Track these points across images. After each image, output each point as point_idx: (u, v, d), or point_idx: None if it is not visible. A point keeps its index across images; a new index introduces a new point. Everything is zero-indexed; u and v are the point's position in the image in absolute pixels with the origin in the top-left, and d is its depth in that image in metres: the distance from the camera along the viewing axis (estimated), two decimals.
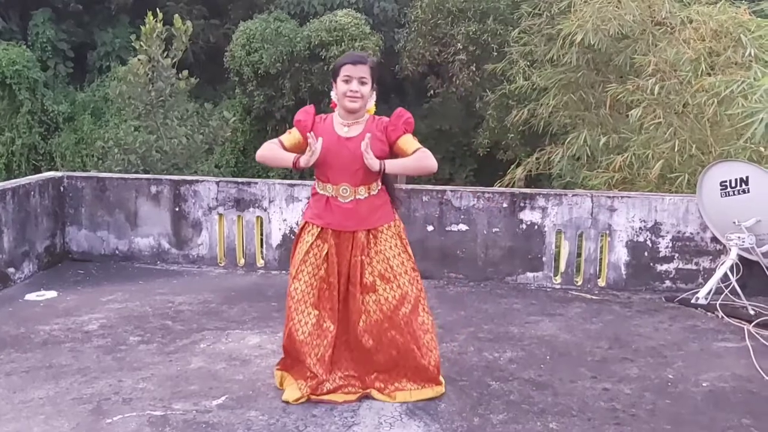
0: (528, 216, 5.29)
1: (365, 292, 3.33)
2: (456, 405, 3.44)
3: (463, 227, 5.34)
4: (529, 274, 5.35)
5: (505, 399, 3.52)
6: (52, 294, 4.96)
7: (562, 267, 5.34)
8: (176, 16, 11.18)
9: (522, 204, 5.28)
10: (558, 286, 5.34)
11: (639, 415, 3.36)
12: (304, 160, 3.21)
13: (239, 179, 5.75)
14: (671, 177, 7.97)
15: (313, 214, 3.37)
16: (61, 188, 5.62)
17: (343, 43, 16.61)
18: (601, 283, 5.32)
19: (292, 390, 3.36)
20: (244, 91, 17.90)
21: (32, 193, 5.26)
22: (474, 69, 16.64)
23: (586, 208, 5.22)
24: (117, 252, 5.69)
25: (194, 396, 3.48)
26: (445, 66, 17.24)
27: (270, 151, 3.33)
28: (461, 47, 16.65)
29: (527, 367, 3.91)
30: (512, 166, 13.87)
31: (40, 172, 17.40)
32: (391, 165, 3.24)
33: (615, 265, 5.27)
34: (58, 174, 5.73)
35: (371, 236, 3.35)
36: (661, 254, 5.19)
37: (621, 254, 5.24)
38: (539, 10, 12.48)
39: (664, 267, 5.20)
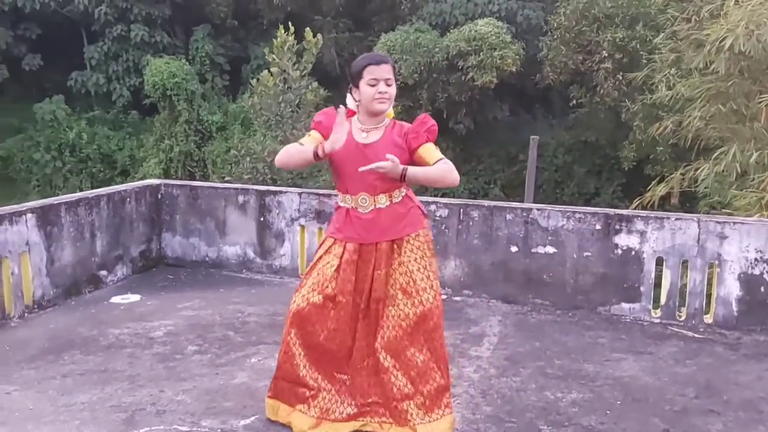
0: (624, 240, 4.78)
1: (387, 306, 3.07)
2: None
3: (550, 249, 4.93)
4: (625, 305, 4.83)
5: None
6: (135, 298, 5.14)
7: (663, 299, 4.77)
8: (307, 29, 11.43)
9: (618, 227, 4.78)
10: (657, 320, 4.78)
11: None
12: (329, 144, 2.92)
13: (320, 191, 5.69)
14: None
15: (334, 229, 3.17)
16: (159, 195, 5.84)
17: (481, 53, 16.34)
18: (708, 319, 4.69)
19: (300, 418, 3.17)
20: None
21: (128, 199, 5.50)
22: (620, 78, 15.70)
23: (692, 234, 4.63)
24: (207, 259, 5.82)
25: (225, 413, 3.41)
26: (589, 75, 16.43)
27: (287, 153, 3.08)
28: (607, 55, 15.80)
29: (591, 411, 3.49)
30: (653, 183, 12.96)
31: (194, 177, 18.61)
32: (414, 172, 2.94)
33: (725, 300, 4.63)
34: (156, 182, 5.97)
35: (396, 246, 3.09)
36: None
37: (732, 288, 4.59)
38: (687, 14, 11.53)
39: None
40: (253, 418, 3.36)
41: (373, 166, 2.86)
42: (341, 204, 3.14)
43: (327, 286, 3.11)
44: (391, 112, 3.13)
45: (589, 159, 18.88)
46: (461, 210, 5.10)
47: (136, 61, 19.69)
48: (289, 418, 3.22)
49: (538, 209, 4.96)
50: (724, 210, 10.12)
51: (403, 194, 3.12)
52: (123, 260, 5.50)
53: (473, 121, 17.99)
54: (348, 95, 3.08)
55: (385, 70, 2.96)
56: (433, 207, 5.16)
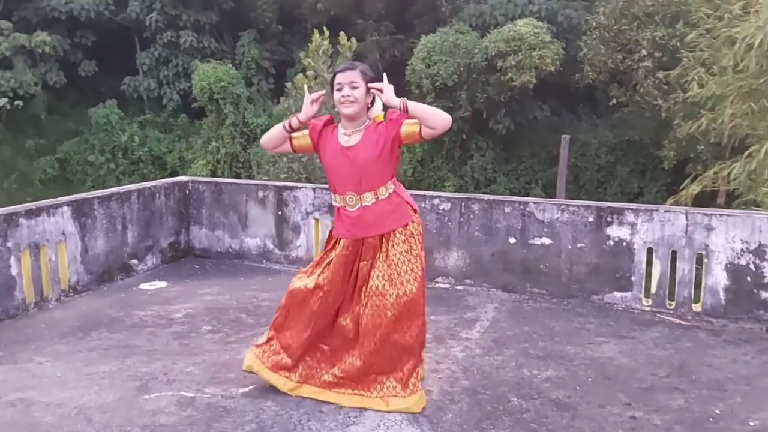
0: (616, 232, 5.00)
1: (370, 295, 3.39)
2: (462, 417, 3.41)
3: (546, 241, 5.18)
4: (617, 294, 5.05)
5: (517, 416, 3.42)
6: (162, 284, 5.59)
7: (653, 288, 4.97)
8: (341, 33, 11.84)
9: (609, 219, 5.00)
10: (648, 309, 4.98)
11: None
12: (302, 114, 3.42)
13: None
14: None
15: (333, 226, 3.57)
16: (187, 191, 6.29)
17: (520, 53, 16.45)
18: (697, 308, 4.87)
19: (279, 381, 3.56)
20: (423, 103, 18.32)
21: (157, 194, 5.97)
22: (660, 76, 15.63)
23: (680, 225, 4.82)
24: (230, 250, 6.25)
25: (227, 382, 3.79)
26: (629, 74, 16.40)
27: (268, 132, 3.59)
28: (646, 53, 15.76)
29: (561, 387, 3.75)
30: (686, 181, 12.95)
31: (240, 178, 19.27)
32: (413, 103, 3.26)
33: (713, 290, 4.80)
34: (184, 178, 6.42)
35: (384, 240, 3.42)
36: (767, 280, 4.64)
37: (719, 278, 4.77)
38: (720, 11, 11.51)
39: None
40: (251, 387, 3.72)
41: (377, 85, 3.28)
42: (334, 203, 3.53)
43: (320, 276, 3.49)
44: (380, 115, 3.45)
45: (633, 158, 18.79)
46: (462, 203, 5.39)
47: (185, 66, 20.48)
48: (269, 380, 3.59)
49: (534, 202, 5.22)
50: (754, 208, 10.10)
51: (391, 191, 3.43)
52: (153, 251, 5.97)
53: (513, 121, 18.08)
54: None
55: (350, 75, 3.32)
56: (436, 201, 5.47)
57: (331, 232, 3.61)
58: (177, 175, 20.48)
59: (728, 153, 11.97)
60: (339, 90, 3.32)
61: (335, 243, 3.53)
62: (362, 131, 3.37)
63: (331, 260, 3.49)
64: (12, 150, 20.53)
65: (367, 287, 3.41)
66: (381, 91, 3.30)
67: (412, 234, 3.45)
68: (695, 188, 12.14)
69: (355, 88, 3.30)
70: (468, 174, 18.76)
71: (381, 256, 3.41)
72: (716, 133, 11.76)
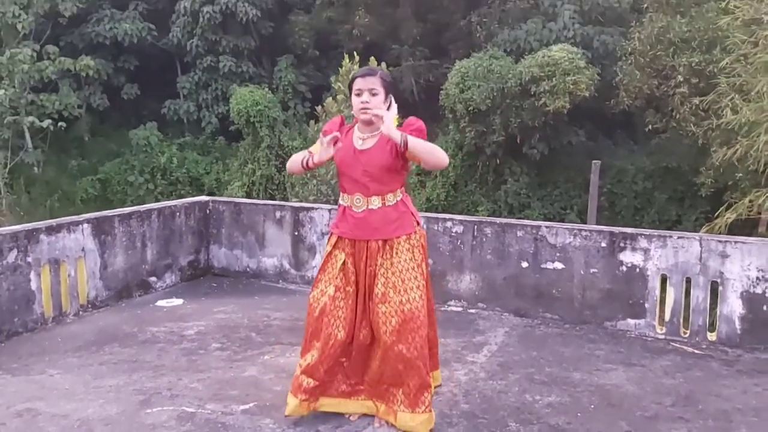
0: (629, 257, 4.93)
1: (376, 302, 3.40)
2: None
3: (559, 266, 5.13)
4: (630, 321, 4.97)
5: None
6: (178, 302, 5.68)
7: (667, 316, 4.88)
8: (371, 58, 11.98)
9: (622, 244, 4.94)
10: (661, 336, 4.89)
11: None
12: (317, 156, 3.41)
13: None
14: None
15: (333, 224, 3.59)
16: (207, 211, 6.41)
17: (554, 78, 16.38)
18: (712, 337, 4.76)
19: (290, 400, 3.53)
20: (456, 127, 18.37)
21: (177, 214, 6.10)
22: (697, 103, 15.42)
23: (694, 252, 4.74)
24: (248, 269, 6.33)
25: (229, 399, 3.84)
26: (665, 99, 16.21)
27: (291, 160, 3.59)
28: (682, 79, 15.56)
29: (562, 413, 3.70)
30: (721, 209, 12.71)
31: (274, 199, 19.50)
32: (413, 140, 3.24)
33: (728, 318, 4.70)
34: (205, 198, 6.55)
35: (387, 247, 3.43)
36: None
37: (735, 306, 4.66)
38: (755, 37, 11.35)
39: None
40: (251, 405, 3.77)
41: (379, 111, 3.27)
42: (341, 202, 3.56)
43: (337, 277, 3.48)
44: (396, 118, 3.46)
45: (671, 185, 18.46)
46: (475, 227, 5.38)
47: (224, 90, 20.87)
48: (291, 403, 3.52)
49: (546, 227, 5.19)
50: None
51: (398, 199, 3.47)
52: (172, 269, 6.08)
53: (548, 146, 17.97)
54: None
55: (370, 82, 3.33)
56: (449, 224, 5.47)
57: (330, 230, 3.61)
58: (214, 196, 20.85)
59: (764, 180, 11.71)
60: (358, 95, 3.35)
61: (337, 242, 3.51)
62: (377, 137, 3.40)
63: (344, 262, 3.47)
64: (56, 170, 21.13)
65: (374, 295, 3.43)
66: (381, 119, 3.29)
67: (418, 244, 3.48)
68: (730, 216, 11.89)
69: (374, 95, 3.33)
70: (501, 199, 18.68)
71: (385, 263, 3.41)
72: (753, 160, 11.55)
